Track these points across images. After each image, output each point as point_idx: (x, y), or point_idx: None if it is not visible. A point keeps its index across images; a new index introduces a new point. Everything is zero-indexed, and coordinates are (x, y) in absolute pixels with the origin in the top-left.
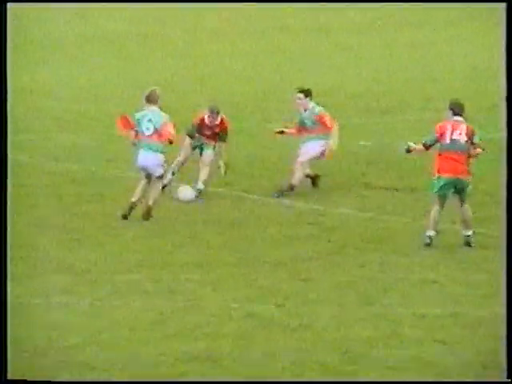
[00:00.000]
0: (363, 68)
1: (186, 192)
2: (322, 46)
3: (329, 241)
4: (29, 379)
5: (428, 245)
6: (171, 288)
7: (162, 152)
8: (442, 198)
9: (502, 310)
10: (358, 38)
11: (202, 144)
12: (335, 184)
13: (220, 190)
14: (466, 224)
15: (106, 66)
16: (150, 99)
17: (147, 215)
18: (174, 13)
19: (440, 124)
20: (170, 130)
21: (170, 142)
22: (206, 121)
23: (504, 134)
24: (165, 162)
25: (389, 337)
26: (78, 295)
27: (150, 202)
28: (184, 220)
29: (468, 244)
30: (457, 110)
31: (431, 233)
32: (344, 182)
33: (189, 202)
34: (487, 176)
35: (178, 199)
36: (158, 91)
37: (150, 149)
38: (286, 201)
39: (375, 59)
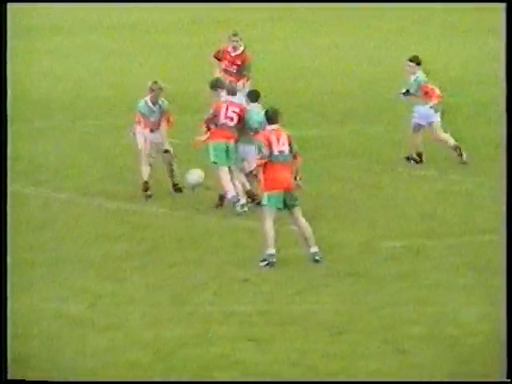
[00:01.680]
0: (178, 68)
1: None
2: (135, 44)
3: (140, 240)
4: (29, 379)
5: (273, 265)
6: None
7: None
8: (274, 212)
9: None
10: (170, 37)
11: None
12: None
13: (29, 190)
14: (308, 241)
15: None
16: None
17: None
18: None
19: (264, 134)
20: None
21: None
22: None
23: (504, 135)
24: None
25: (199, 335)
26: None
27: None
28: None
29: (316, 261)
30: (273, 118)
31: (272, 251)
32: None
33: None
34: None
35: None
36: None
37: None
38: (96, 200)
39: (189, 59)
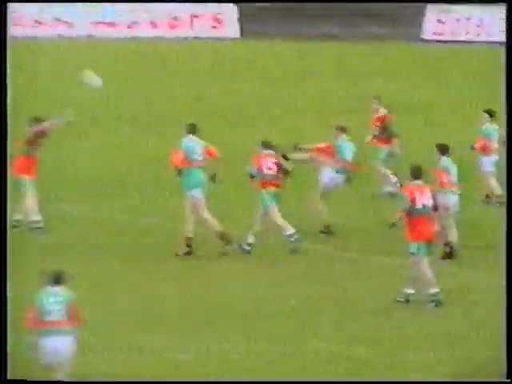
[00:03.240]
0: None
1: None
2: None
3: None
4: (29, 379)
5: (439, 302)
6: (271, 335)
7: None
8: (423, 258)
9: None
10: None
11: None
12: None
13: (317, 247)
14: (430, 283)
15: None
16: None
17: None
18: None
19: (410, 188)
20: None
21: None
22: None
23: (503, 136)
24: None
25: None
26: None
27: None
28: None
29: (436, 303)
30: (417, 174)
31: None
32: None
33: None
34: None
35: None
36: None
37: None
38: (374, 257)
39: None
